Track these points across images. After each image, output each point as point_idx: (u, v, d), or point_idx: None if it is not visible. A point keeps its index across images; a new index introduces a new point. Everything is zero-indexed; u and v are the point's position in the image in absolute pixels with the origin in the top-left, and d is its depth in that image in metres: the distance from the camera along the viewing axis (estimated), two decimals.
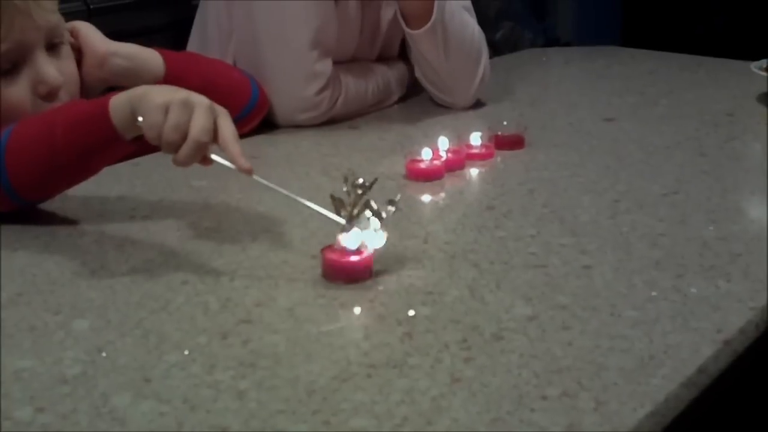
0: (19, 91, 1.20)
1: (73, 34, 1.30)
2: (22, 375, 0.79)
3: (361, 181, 0.97)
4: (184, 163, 1.01)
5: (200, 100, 1.02)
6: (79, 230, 1.12)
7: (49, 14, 1.23)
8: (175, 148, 1.00)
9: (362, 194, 0.97)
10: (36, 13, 1.20)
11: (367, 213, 0.97)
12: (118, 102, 1.06)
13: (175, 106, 1.00)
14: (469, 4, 1.67)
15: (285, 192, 1.02)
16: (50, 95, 1.22)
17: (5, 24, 1.17)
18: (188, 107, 1.00)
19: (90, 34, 1.32)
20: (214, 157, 1.02)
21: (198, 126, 1.00)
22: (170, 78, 1.30)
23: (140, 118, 1.02)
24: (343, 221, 0.98)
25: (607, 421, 0.73)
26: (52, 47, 1.24)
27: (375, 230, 0.97)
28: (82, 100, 1.15)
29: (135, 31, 1.36)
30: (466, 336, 0.85)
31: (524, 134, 1.43)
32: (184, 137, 1.00)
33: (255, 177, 1.00)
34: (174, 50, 1.42)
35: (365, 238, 0.97)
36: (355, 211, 0.97)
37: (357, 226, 0.97)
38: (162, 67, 1.35)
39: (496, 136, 1.42)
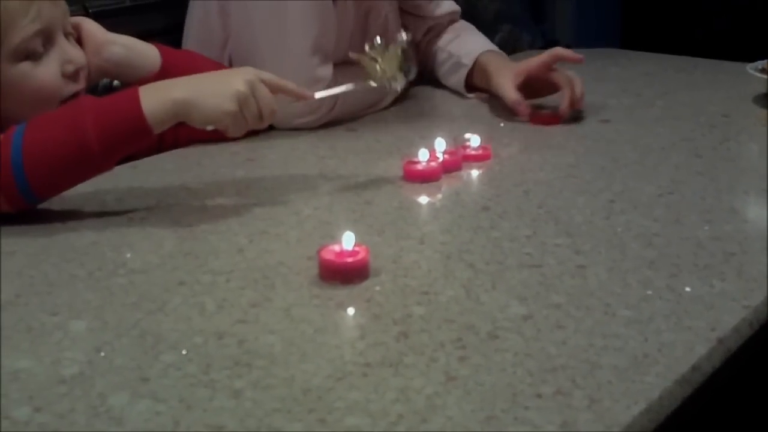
0: (50, 71, 1.24)
1: (74, 26, 1.32)
2: (20, 375, 0.80)
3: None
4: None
5: (249, 81, 1.15)
6: (77, 232, 1.12)
7: None
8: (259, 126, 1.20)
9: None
10: None
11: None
12: (153, 100, 1.11)
13: (244, 102, 1.14)
14: None
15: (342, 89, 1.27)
16: (76, 75, 1.27)
17: (37, 4, 1.21)
18: (251, 95, 1.15)
19: (90, 25, 1.36)
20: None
21: (267, 103, 1.17)
22: (165, 73, 1.32)
23: (210, 127, 1.16)
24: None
25: (600, 419, 0.73)
26: (65, 36, 1.27)
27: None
28: (92, 96, 1.21)
29: (133, 35, 1.39)
30: (461, 335, 0.86)
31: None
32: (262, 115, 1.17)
33: (317, 95, 1.26)
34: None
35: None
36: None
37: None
38: (158, 61, 1.38)
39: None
